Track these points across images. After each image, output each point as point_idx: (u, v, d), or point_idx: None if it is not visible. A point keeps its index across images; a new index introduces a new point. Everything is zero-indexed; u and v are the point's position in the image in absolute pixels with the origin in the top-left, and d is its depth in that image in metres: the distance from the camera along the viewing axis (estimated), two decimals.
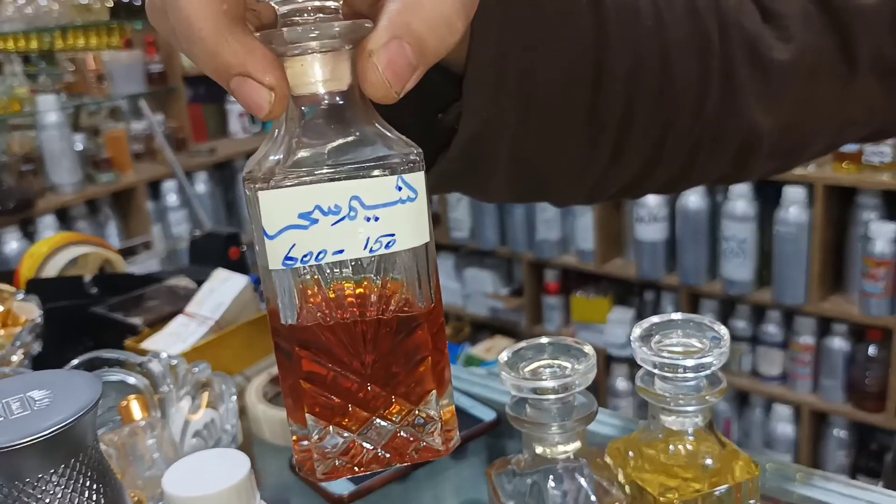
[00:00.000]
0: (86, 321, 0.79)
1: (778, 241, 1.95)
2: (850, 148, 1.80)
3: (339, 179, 0.26)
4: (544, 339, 0.39)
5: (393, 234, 0.26)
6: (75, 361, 0.57)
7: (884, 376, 1.91)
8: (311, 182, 0.25)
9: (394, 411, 0.28)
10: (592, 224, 2.26)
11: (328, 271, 0.26)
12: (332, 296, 0.27)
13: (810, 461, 2.07)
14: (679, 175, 0.44)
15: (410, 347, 0.27)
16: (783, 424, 2.10)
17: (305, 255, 0.26)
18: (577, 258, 2.36)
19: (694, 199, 2.05)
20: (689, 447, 0.39)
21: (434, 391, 0.28)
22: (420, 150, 0.27)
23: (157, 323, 0.78)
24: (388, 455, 0.28)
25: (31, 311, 0.67)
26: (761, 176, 0.48)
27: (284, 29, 0.26)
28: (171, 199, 2.61)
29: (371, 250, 0.26)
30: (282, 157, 0.26)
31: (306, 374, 0.27)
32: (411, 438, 0.28)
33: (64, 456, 0.30)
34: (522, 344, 0.39)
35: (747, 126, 0.43)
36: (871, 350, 1.93)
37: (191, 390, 0.57)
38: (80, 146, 2.40)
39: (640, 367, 0.38)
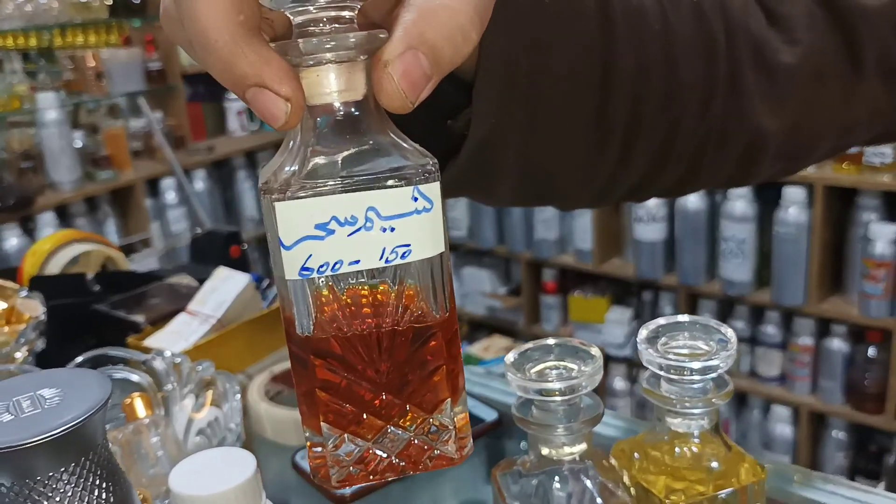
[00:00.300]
0: (88, 319, 0.79)
1: (777, 242, 1.95)
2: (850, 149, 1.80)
3: (355, 190, 0.26)
4: (551, 341, 0.39)
5: (409, 245, 0.26)
6: (79, 359, 0.57)
7: (883, 378, 1.92)
8: (328, 193, 0.25)
9: (408, 419, 0.28)
10: (591, 224, 2.26)
11: (344, 282, 0.27)
12: (347, 306, 0.27)
13: (809, 462, 2.07)
14: (685, 178, 0.44)
15: (425, 356, 0.27)
16: (782, 425, 2.10)
17: (322, 266, 0.26)
18: (575, 258, 2.36)
19: (693, 199, 2.06)
20: (695, 449, 0.39)
21: (448, 399, 0.28)
22: (436, 160, 0.27)
23: (159, 321, 0.78)
24: (402, 463, 0.28)
25: (34, 308, 0.67)
26: (767, 178, 0.48)
27: (300, 40, 0.26)
28: (170, 196, 2.60)
29: (387, 261, 0.26)
30: (297, 167, 0.26)
31: (321, 382, 0.27)
32: (425, 446, 0.28)
33: (74, 454, 0.30)
34: (529, 345, 0.39)
35: (753, 128, 0.43)
36: (871, 351, 1.93)
37: (194, 388, 0.57)
38: (79, 144, 2.40)
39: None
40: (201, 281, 0.82)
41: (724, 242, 2.02)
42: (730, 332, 0.39)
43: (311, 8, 0.26)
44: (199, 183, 2.69)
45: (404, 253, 0.26)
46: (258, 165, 2.88)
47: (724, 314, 2.14)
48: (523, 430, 0.38)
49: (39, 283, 0.82)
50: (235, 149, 2.81)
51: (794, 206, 1.91)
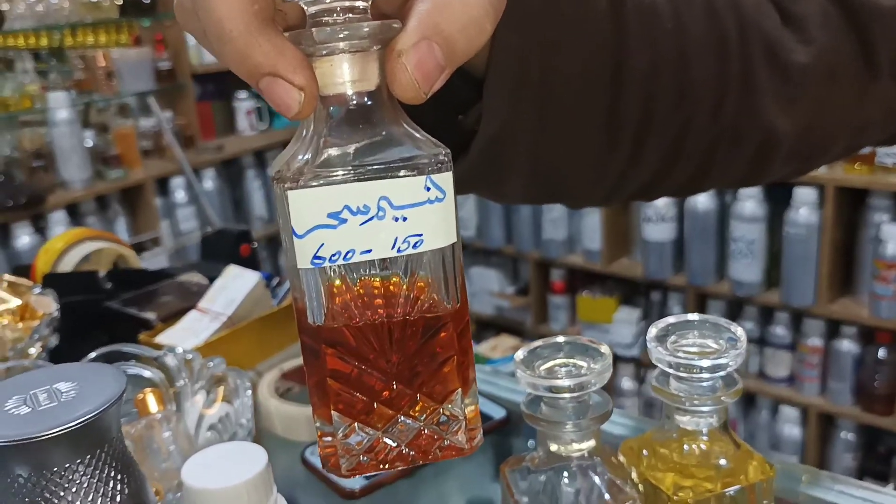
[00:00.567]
0: (100, 315, 0.80)
1: (787, 243, 1.94)
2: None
3: (368, 179, 0.26)
4: (560, 338, 0.39)
5: (421, 235, 0.26)
6: (92, 355, 0.57)
7: (893, 379, 1.91)
8: (341, 182, 0.26)
9: (418, 409, 0.28)
10: (599, 224, 2.26)
11: (356, 271, 0.27)
12: (359, 295, 0.27)
13: (817, 464, 2.06)
14: (696, 177, 0.44)
15: (436, 347, 0.27)
16: (790, 426, 2.10)
17: (334, 255, 0.26)
18: (583, 257, 2.36)
19: (703, 199, 2.05)
20: (704, 447, 0.40)
21: (459, 390, 0.28)
22: (448, 150, 0.27)
23: (171, 318, 0.79)
24: (412, 453, 0.28)
25: (48, 304, 0.67)
26: (779, 178, 0.48)
27: (314, 29, 0.26)
28: (180, 195, 2.61)
29: (399, 250, 0.26)
30: (310, 156, 0.26)
31: (332, 371, 0.27)
32: (435, 436, 0.28)
33: (90, 447, 0.31)
34: (539, 342, 0.39)
35: (765, 128, 0.42)
36: (881, 353, 1.92)
37: (206, 385, 0.57)
38: (89, 143, 2.41)
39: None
40: (212, 279, 0.83)
41: (734, 243, 2.02)
42: (739, 331, 0.39)
43: None
44: (209, 182, 2.70)
45: (416, 243, 0.26)
46: (267, 164, 2.89)
47: (733, 315, 2.13)
48: (532, 426, 0.38)
49: (52, 281, 0.82)
50: (245, 148, 2.82)
51: (804, 207, 1.90)
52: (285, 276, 0.89)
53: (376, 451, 0.28)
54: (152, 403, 0.55)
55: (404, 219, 0.26)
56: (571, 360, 0.38)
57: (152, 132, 2.64)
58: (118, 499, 0.32)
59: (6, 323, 0.67)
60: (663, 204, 2.11)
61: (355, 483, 0.60)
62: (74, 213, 2.36)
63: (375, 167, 0.26)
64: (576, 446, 0.38)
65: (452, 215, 0.27)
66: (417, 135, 0.27)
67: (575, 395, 0.37)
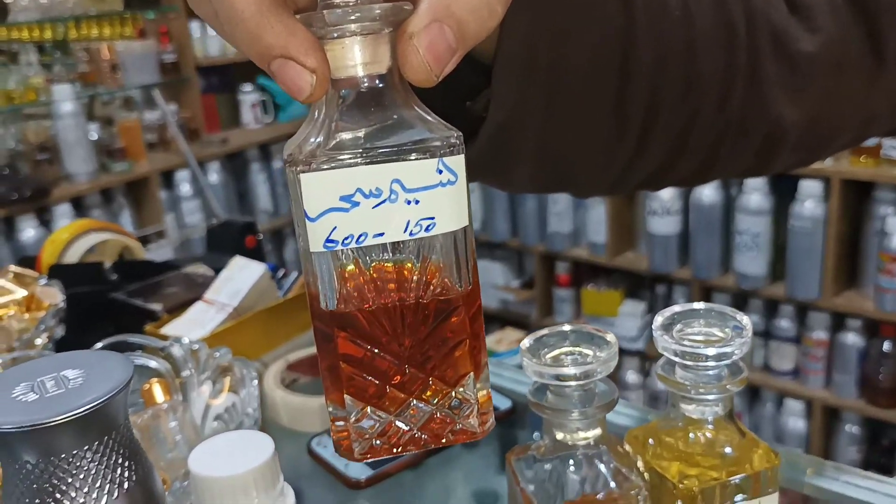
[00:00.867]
0: (106, 307, 0.80)
1: (793, 236, 1.94)
2: (868, 142, 1.78)
3: (380, 162, 0.26)
4: (567, 327, 0.39)
5: (433, 217, 0.26)
6: (99, 345, 0.57)
7: None
8: (353, 165, 0.25)
9: (431, 393, 0.28)
10: (605, 217, 2.26)
11: (368, 254, 0.27)
12: (371, 279, 0.27)
13: (821, 456, 2.06)
14: (703, 167, 0.44)
15: (448, 330, 0.27)
16: (794, 419, 2.10)
17: (346, 238, 0.26)
18: (588, 251, 2.35)
19: (708, 192, 2.05)
20: (709, 435, 0.40)
21: (471, 374, 0.28)
22: (460, 133, 0.27)
23: (176, 309, 0.79)
24: (425, 436, 0.28)
25: (53, 295, 0.68)
26: (785, 169, 0.48)
27: (325, 11, 0.25)
28: (184, 188, 2.62)
29: (411, 233, 0.26)
30: (322, 139, 0.26)
31: (345, 355, 0.27)
32: (448, 420, 0.28)
33: (97, 433, 0.31)
34: (545, 331, 0.39)
35: (772, 118, 0.42)
36: (886, 346, 1.92)
37: (212, 375, 0.58)
38: (94, 135, 2.42)
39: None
40: (217, 270, 0.83)
41: (739, 236, 2.01)
42: (745, 320, 0.39)
43: None
44: (213, 175, 2.70)
45: (428, 226, 0.26)
46: (272, 158, 2.89)
47: (738, 308, 2.11)
48: (538, 414, 0.38)
49: (58, 272, 0.83)
50: (249, 141, 2.82)
51: (810, 200, 1.89)
52: (290, 269, 0.89)
53: (389, 435, 0.28)
54: (158, 393, 0.55)
55: (416, 202, 0.26)
56: (577, 349, 0.38)
57: (157, 125, 2.64)
58: (126, 486, 0.32)
59: (12, 313, 0.68)
60: (668, 197, 2.11)
61: (361, 473, 0.60)
62: (79, 206, 2.36)
63: (387, 150, 0.26)
64: (581, 435, 0.38)
65: (464, 198, 0.27)
66: (429, 118, 0.27)
67: (581, 383, 0.37)
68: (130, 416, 0.54)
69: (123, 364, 0.33)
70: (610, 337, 0.38)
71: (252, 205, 2.85)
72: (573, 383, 0.37)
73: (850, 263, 1.97)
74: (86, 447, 0.31)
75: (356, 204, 0.26)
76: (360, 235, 0.26)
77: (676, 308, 0.40)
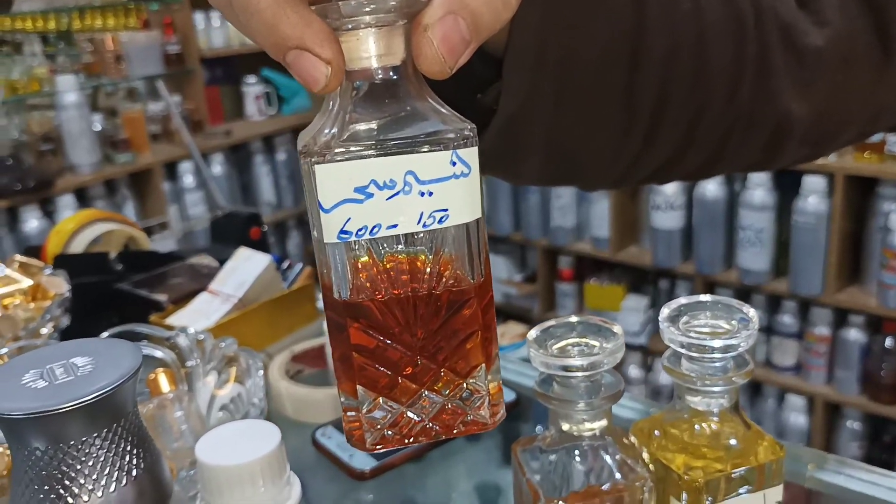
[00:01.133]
0: (111, 297, 0.80)
1: (796, 231, 1.93)
2: (872, 137, 1.78)
3: (394, 154, 0.26)
4: (573, 318, 0.39)
5: (446, 209, 0.26)
6: (105, 335, 0.58)
7: None
8: (367, 156, 0.26)
9: (442, 384, 0.28)
10: (608, 211, 2.26)
11: (381, 245, 0.27)
12: (384, 270, 0.27)
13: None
14: (710, 160, 0.44)
15: (460, 322, 0.28)
16: (796, 415, 2.10)
17: (360, 229, 0.26)
18: (591, 245, 2.35)
19: (712, 187, 2.04)
20: (714, 427, 0.40)
21: (482, 365, 0.28)
22: (473, 125, 0.27)
23: (181, 300, 0.79)
24: (436, 427, 0.28)
25: (59, 285, 0.68)
26: (791, 163, 0.48)
27: (340, 3, 0.25)
28: (188, 180, 2.62)
29: (424, 225, 0.26)
30: (336, 131, 0.26)
31: (357, 346, 0.27)
32: (459, 411, 0.28)
33: (106, 420, 0.31)
34: (552, 322, 0.39)
35: (780, 112, 0.42)
36: (888, 342, 1.92)
37: (217, 365, 0.58)
38: (98, 126, 2.42)
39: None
40: (222, 261, 0.83)
41: (742, 231, 2.01)
42: (751, 312, 0.39)
43: None
44: (217, 167, 2.70)
45: (442, 217, 0.26)
46: (275, 150, 2.89)
47: None
48: (544, 405, 0.38)
49: (63, 262, 0.83)
50: (253, 133, 2.82)
51: (813, 196, 1.89)
52: (294, 261, 0.89)
53: (400, 426, 0.28)
54: (164, 383, 0.56)
55: (430, 193, 0.26)
56: (584, 340, 0.38)
57: (160, 116, 2.64)
58: (134, 473, 0.32)
59: (18, 303, 0.68)
60: (672, 192, 2.10)
61: (365, 464, 0.60)
62: (83, 197, 2.36)
63: (401, 142, 0.26)
64: (587, 426, 0.38)
65: (478, 190, 0.27)
66: (443, 109, 0.27)
67: (587, 374, 0.37)
68: None
69: (132, 352, 0.33)
70: (617, 328, 0.38)
71: (255, 197, 2.85)
72: (580, 374, 0.37)
73: (853, 259, 1.97)
74: (95, 434, 0.31)
75: (370, 195, 0.26)
76: (374, 227, 0.26)
77: (683, 300, 0.40)
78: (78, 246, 0.88)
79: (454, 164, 0.26)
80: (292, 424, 0.68)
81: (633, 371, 2.34)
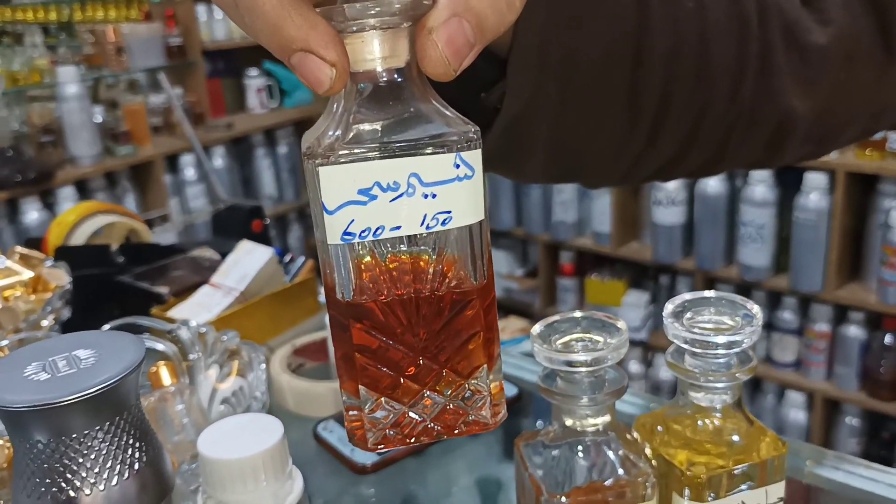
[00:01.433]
0: (112, 289, 0.80)
1: (797, 228, 1.94)
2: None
3: (398, 156, 0.26)
4: (578, 313, 0.39)
5: (450, 212, 0.26)
6: (107, 327, 0.58)
7: None
8: (371, 158, 0.26)
9: (444, 385, 0.28)
10: (609, 207, 2.26)
11: (385, 247, 0.27)
12: (387, 271, 0.27)
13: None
14: (713, 158, 0.44)
15: (463, 323, 0.28)
16: (795, 411, 2.10)
17: (364, 231, 0.26)
18: (592, 240, 2.35)
19: (713, 183, 2.04)
20: (717, 423, 0.40)
21: (484, 366, 0.28)
22: (477, 128, 0.27)
23: (183, 293, 0.79)
24: (438, 427, 0.28)
25: (60, 277, 0.68)
26: (794, 161, 0.48)
27: (345, 5, 0.26)
28: (189, 172, 2.61)
29: (428, 227, 0.26)
30: (340, 133, 0.26)
31: (360, 346, 0.27)
32: (460, 411, 0.28)
33: (109, 413, 0.31)
34: (556, 317, 0.39)
35: (783, 110, 0.42)
36: (888, 339, 1.92)
37: (219, 358, 0.58)
38: (99, 118, 2.41)
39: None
40: (223, 254, 0.83)
41: (743, 227, 2.01)
42: (755, 308, 0.39)
43: None
44: (218, 160, 2.70)
45: (445, 220, 0.26)
46: (277, 143, 2.89)
47: None
48: (548, 400, 0.38)
49: (64, 254, 0.83)
50: (254, 126, 2.81)
51: (814, 192, 1.89)
52: (296, 254, 0.89)
53: (402, 426, 0.28)
54: (165, 376, 0.56)
55: (434, 196, 0.26)
56: (588, 335, 0.38)
57: (162, 109, 2.63)
58: (136, 466, 0.32)
59: (19, 294, 0.68)
60: (673, 188, 2.10)
61: (367, 458, 0.60)
62: (83, 190, 2.36)
63: (405, 144, 0.26)
64: (591, 421, 0.38)
65: (481, 192, 0.27)
66: (447, 112, 0.27)
67: (591, 369, 0.37)
68: None
69: (135, 345, 0.33)
70: (621, 324, 0.38)
71: (256, 190, 2.85)
72: (583, 370, 0.37)
73: (853, 256, 1.97)
74: (97, 427, 0.31)
75: (374, 197, 0.26)
76: (378, 228, 0.26)
77: (687, 296, 0.40)
78: (79, 238, 0.88)
79: (458, 166, 0.26)
80: (294, 418, 0.68)
81: (634, 366, 2.35)
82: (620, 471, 0.38)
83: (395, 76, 0.27)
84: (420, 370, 0.28)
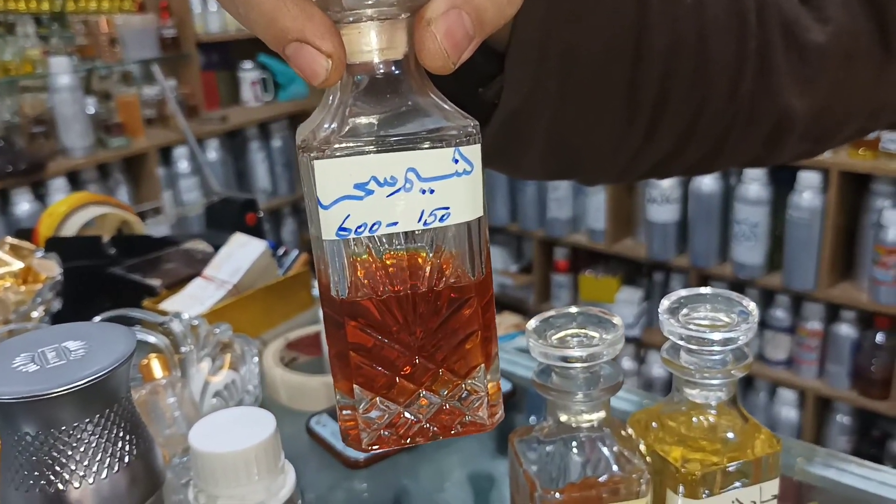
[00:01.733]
0: (104, 281, 0.80)
1: (790, 226, 1.94)
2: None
3: (395, 150, 0.25)
4: (573, 309, 0.39)
5: (448, 208, 0.26)
6: (97, 319, 0.57)
7: (890, 364, 1.92)
8: (368, 152, 0.25)
9: (440, 385, 0.27)
10: (604, 204, 2.26)
11: (381, 243, 0.26)
12: (383, 268, 0.26)
13: None
14: (710, 155, 0.44)
15: (460, 321, 0.27)
16: (787, 409, 2.11)
17: (360, 227, 0.25)
18: (587, 237, 2.36)
19: (707, 181, 2.05)
20: (712, 420, 0.40)
21: (482, 365, 0.28)
22: (476, 122, 0.26)
23: (175, 285, 0.79)
24: (433, 428, 0.28)
25: (51, 268, 0.67)
26: (791, 159, 0.48)
27: None
28: (183, 165, 2.60)
29: (425, 223, 0.26)
30: (336, 126, 0.26)
31: (355, 344, 0.27)
32: (457, 412, 0.28)
33: (98, 406, 0.31)
34: (551, 312, 0.39)
35: (781, 108, 0.42)
36: (879, 338, 1.93)
37: (211, 351, 0.57)
38: (91, 110, 2.40)
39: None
40: (216, 247, 0.83)
41: (737, 225, 2.02)
42: (751, 306, 0.39)
43: None
44: (212, 152, 2.69)
45: (443, 216, 0.26)
46: (271, 136, 2.87)
47: None
48: (542, 396, 0.38)
49: (55, 245, 0.82)
50: (249, 119, 2.80)
51: (808, 191, 1.89)
52: (290, 248, 0.89)
53: (397, 426, 0.28)
54: (157, 369, 0.55)
55: (431, 191, 0.26)
56: (583, 331, 0.38)
57: (155, 101, 2.62)
58: (126, 459, 0.31)
59: (8, 285, 0.67)
60: (668, 185, 2.11)
61: (360, 453, 0.60)
62: (75, 181, 2.34)
63: (403, 138, 0.25)
64: (585, 417, 0.38)
65: (480, 188, 0.27)
66: (445, 105, 0.27)
67: (586, 365, 0.36)
68: None
69: (126, 336, 0.32)
70: (616, 319, 0.38)
71: (250, 183, 2.83)
72: (579, 365, 0.36)
73: (846, 255, 1.98)
74: (87, 420, 0.30)
75: (370, 192, 0.25)
76: (374, 224, 0.25)
77: (683, 292, 0.40)
78: (70, 229, 0.87)
79: (456, 161, 0.26)
80: (286, 412, 0.68)
81: (626, 363, 2.35)
82: (615, 467, 0.38)
83: (393, 68, 0.26)
84: (416, 369, 0.27)
